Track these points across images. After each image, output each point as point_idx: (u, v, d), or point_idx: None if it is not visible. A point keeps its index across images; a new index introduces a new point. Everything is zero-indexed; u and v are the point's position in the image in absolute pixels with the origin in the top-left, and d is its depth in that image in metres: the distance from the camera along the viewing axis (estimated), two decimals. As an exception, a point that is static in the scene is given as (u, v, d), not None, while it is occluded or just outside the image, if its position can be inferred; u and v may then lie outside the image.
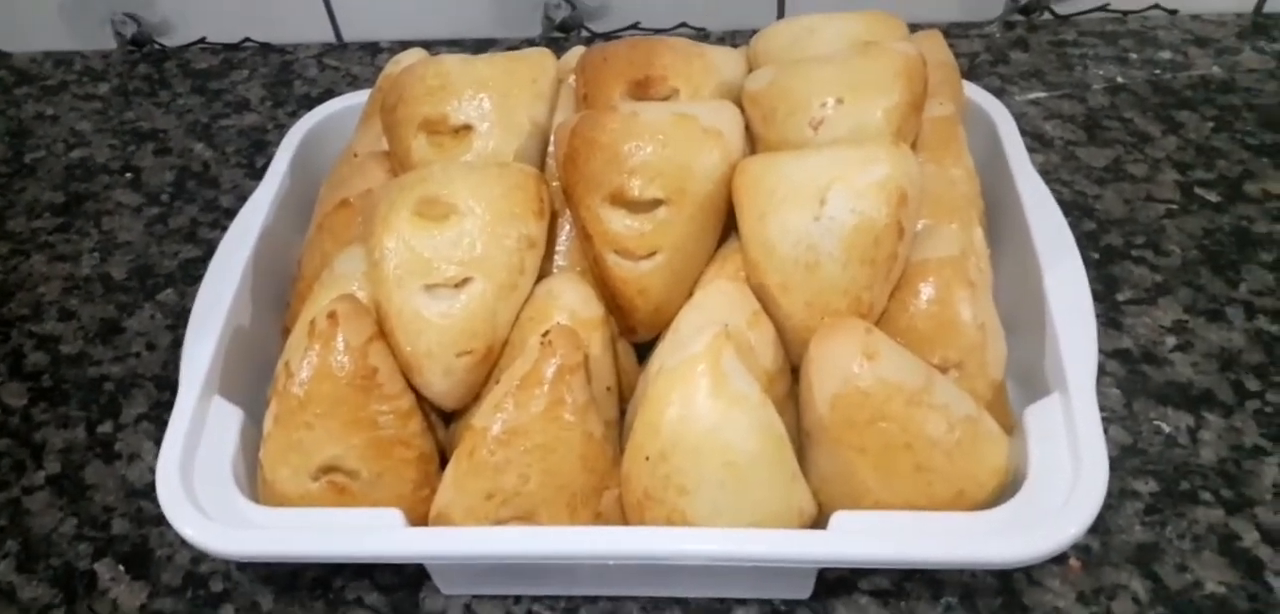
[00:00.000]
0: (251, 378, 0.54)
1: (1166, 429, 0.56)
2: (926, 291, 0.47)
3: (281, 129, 0.82)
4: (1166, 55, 0.82)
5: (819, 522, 0.45)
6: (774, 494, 0.44)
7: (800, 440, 0.47)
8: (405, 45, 0.84)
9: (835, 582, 0.51)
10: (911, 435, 0.43)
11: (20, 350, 0.67)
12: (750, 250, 0.47)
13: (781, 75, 0.52)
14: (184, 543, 0.54)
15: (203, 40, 0.94)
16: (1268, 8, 0.84)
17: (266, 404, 0.49)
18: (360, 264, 0.51)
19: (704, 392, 0.43)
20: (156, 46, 0.95)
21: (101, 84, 0.91)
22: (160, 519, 0.55)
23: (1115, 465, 0.54)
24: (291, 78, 0.89)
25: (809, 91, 0.51)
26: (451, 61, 0.55)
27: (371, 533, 0.45)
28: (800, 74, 0.52)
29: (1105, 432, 0.44)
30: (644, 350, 0.52)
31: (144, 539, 0.56)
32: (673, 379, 0.44)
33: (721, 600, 0.51)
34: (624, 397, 0.51)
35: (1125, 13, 0.86)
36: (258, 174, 0.77)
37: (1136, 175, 0.71)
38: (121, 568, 0.55)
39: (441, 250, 0.48)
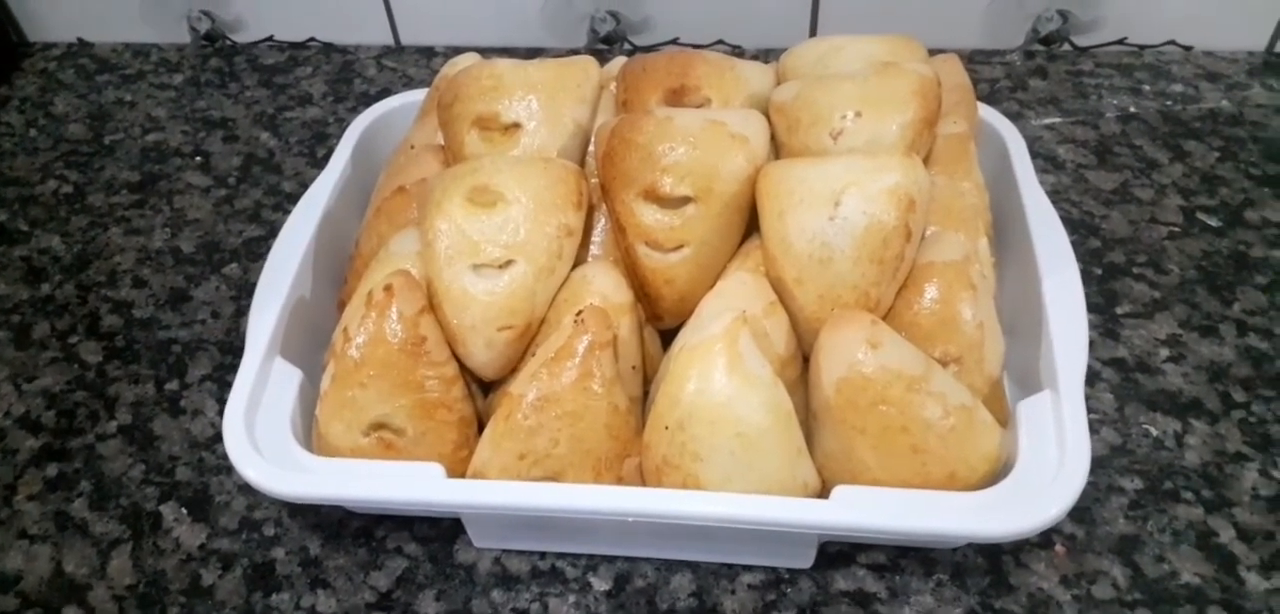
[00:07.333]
0: (309, 344, 0.57)
1: (1155, 433, 0.58)
2: (930, 291, 0.49)
3: (341, 123, 0.85)
4: (1178, 88, 0.83)
5: (822, 496, 0.47)
6: (781, 466, 0.46)
7: (808, 422, 0.49)
8: (458, 50, 0.88)
9: (835, 554, 0.53)
10: (909, 419, 0.45)
11: (97, 313, 0.71)
12: (769, 246, 0.50)
13: (806, 89, 0.55)
14: (241, 491, 0.58)
15: (270, 38, 0.97)
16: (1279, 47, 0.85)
17: (323, 367, 0.52)
18: (413, 244, 0.53)
19: (721, 369, 0.46)
20: (228, 42, 0.98)
21: (176, 75, 0.95)
22: (220, 469, 0.59)
23: (1104, 463, 0.56)
24: (352, 76, 0.92)
25: (831, 105, 0.53)
26: (504, 65, 0.58)
27: (416, 482, 0.48)
28: (823, 88, 0.54)
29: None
30: (668, 339, 0.54)
31: (205, 486, 0.59)
32: (693, 356, 0.47)
33: (729, 566, 0.53)
34: (648, 379, 0.53)
35: (1142, 47, 0.87)
36: (318, 163, 0.82)
37: (1142, 199, 0.73)
38: (184, 511, 0.58)
39: (488, 234, 0.51)
